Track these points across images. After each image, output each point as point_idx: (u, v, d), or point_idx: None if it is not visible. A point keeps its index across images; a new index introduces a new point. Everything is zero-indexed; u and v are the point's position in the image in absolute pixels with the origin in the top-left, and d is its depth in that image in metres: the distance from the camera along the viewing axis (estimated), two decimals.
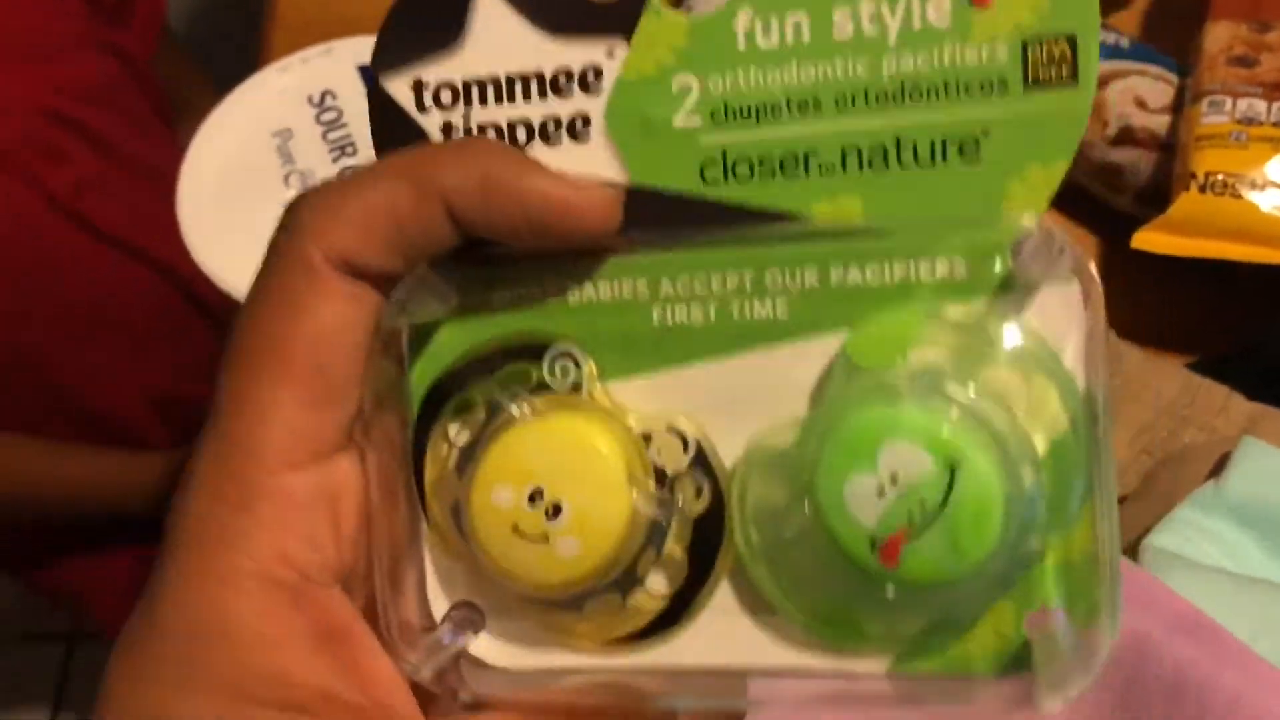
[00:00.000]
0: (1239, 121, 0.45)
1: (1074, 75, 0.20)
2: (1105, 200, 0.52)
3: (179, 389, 0.81)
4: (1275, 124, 0.45)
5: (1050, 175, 0.21)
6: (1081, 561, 0.20)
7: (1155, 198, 0.48)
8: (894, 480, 0.20)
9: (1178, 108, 0.48)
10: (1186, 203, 0.46)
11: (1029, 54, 0.20)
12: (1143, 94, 0.49)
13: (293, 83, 0.45)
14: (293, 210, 0.21)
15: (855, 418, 0.20)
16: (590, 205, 0.21)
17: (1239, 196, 0.45)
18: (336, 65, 0.45)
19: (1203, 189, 0.45)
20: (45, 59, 0.73)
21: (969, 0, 0.20)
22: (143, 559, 0.85)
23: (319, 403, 0.21)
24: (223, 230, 0.41)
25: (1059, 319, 0.20)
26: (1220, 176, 0.45)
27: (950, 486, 0.19)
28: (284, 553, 0.21)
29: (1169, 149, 0.48)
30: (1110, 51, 0.50)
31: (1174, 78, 0.49)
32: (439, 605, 0.23)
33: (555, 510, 0.21)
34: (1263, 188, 0.44)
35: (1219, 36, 0.47)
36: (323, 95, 0.44)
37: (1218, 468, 0.38)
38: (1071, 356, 0.20)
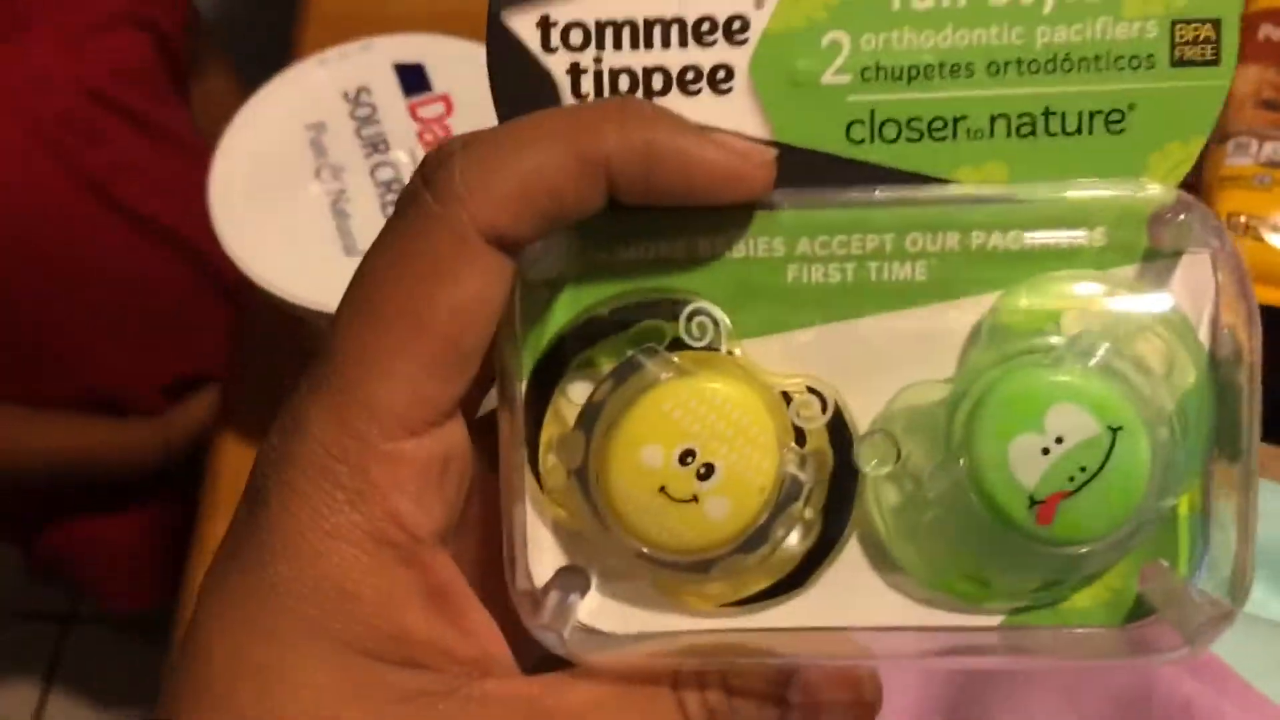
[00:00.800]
0: (1264, 164, 0.46)
1: (1217, 57, 0.21)
2: None
3: (199, 372, 0.80)
4: None
5: (1189, 151, 0.21)
6: (1192, 518, 0.21)
7: None
8: (1059, 441, 0.20)
9: (1204, 149, 0.49)
10: None
11: (1176, 33, 0.21)
12: None
13: (330, 77, 0.45)
14: (443, 166, 0.20)
15: (1022, 380, 0.20)
16: (753, 172, 0.21)
17: (1260, 239, 0.45)
18: (374, 62, 0.45)
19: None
20: (88, 35, 0.71)
21: None
22: (132, 525, 0.84)
23: (447, 373, 0.20)
24: (252, 219, 0.42)
25: (1193, 284, 0.21)
26: (1243, 218, 0.46)
27: (1110, 450, 0.20)
28: (397, 513, 0.20)
29: (1193, 189, 0.49)
30: None
31: None
32: (540, 569, 0.22)
33: (708, 470, 0.21)
34: None
35: (1249, 79, 0.48)
36: (358, 91, 0.44)
37: None
38: (1203, 321, 0.21)
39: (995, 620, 0.22)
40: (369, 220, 0.42)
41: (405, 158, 0.43)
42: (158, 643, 0.50)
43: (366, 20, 0.49)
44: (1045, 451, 0.20)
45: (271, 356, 0.54)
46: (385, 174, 0.43)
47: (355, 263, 0.43)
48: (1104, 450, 0.20)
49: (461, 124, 0.44)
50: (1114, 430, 0.20)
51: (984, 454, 0.20)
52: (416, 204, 0.21)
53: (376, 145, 0.43)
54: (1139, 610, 0.21)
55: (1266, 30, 0.49)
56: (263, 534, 0.20)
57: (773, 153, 0.21)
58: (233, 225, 0.41)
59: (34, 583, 1.02)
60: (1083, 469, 0.20)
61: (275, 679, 0.20)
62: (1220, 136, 0.47)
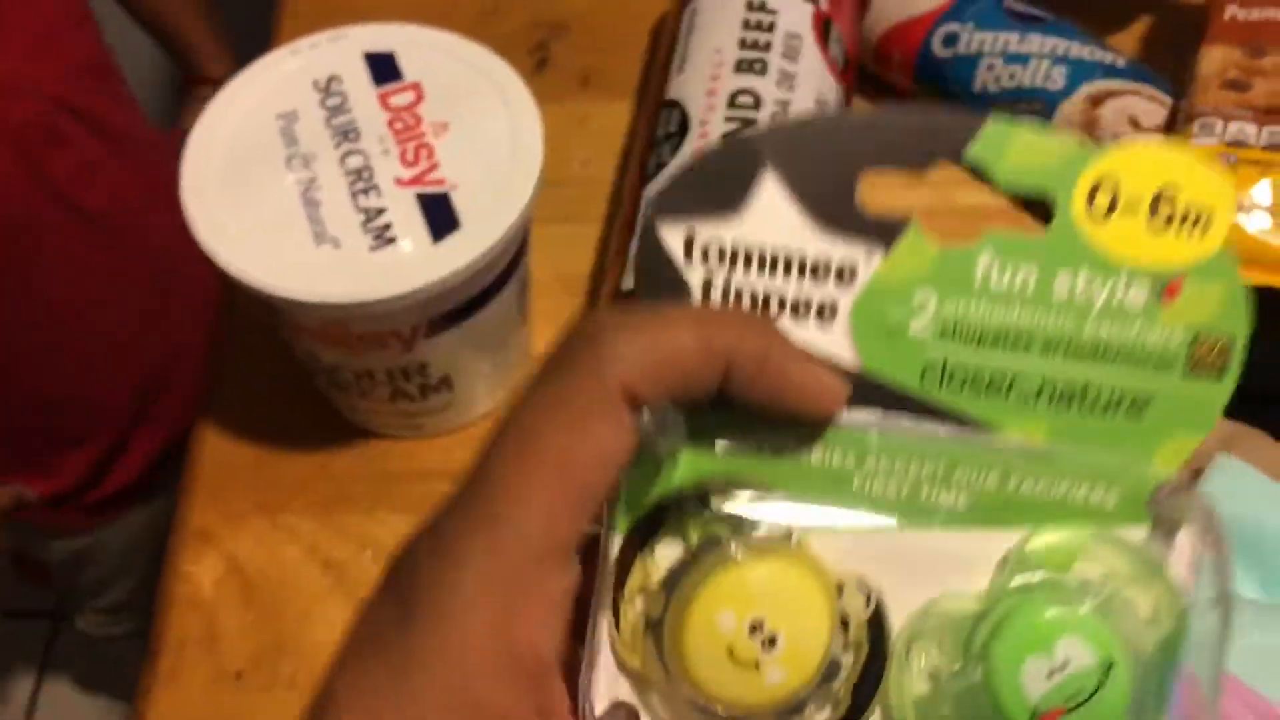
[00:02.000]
0: (1229, 144, 0.45)
1: (1224, 371, 0.26)
2: None
3: (161, 375, 0.80)
4: (1265, 148, 0.46)
5: (1191, 442, 0.26)
6: None
7: None
8: (1064, 667, 0.24)
9: (1170, 128, 0.48)
10: None
11: (1196, 347, 0.26)
12: (1137, 113, 0.50)
13: (301, 66, 0.45)
14: (602, 333, 0.24)
15: (1042, 611, 0.25)
16: (833, 398, 0.25)
17: None
18: (345, 51, 0.45)
19: None
20: (53, 38, 0.71)
21: (1160, 294, 0.26)
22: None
23: (580, 516, 0.24)
24: (224, 209, 0.42)
25: (1185, 551, 0.26)
26: None
27: (1103, 680, 0.24)
28: (535, 643, 0.23)
29: None
30: (1107, 70, 0.51)
31: (1168, 99, 0.50)
32: (599, 699, 0.26)
33: (771, 642, 0.24)
34: (1249, 210, 0.45)
35: (1214, 59, 0.48)
36: (329, 80, 0.45)
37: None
38: (1183, 581, 0.25)
39: None
40: (339, 208, 0.42)
41: (375, 146, 0.43)
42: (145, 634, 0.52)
43: (343, 13, 0.50)
44: (1050, 675, 0.24)
45: (251, 349, 0.55)
46: (355, 162, 0.43)
47: (326, 252, 0.43)
48: (1097, 679, 0.24)
49: (432, 112, 0.44)
50: (1109, 665, 0.24)
51: (1000, 666, 0.24)
52: (577, 359, 0.24)
53: (347, 134, 0.43)
54: None
55: (1232, 11, 0.50)
56: (412, 642, 0.23)
57: (846, 391, 0.26)
58: (205, 215, 0.41)
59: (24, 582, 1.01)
60: (1079, 691, 0.24)
61: None
62: (1186, 117, 0.47)
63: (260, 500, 0.52)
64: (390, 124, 0.45)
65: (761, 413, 0.25)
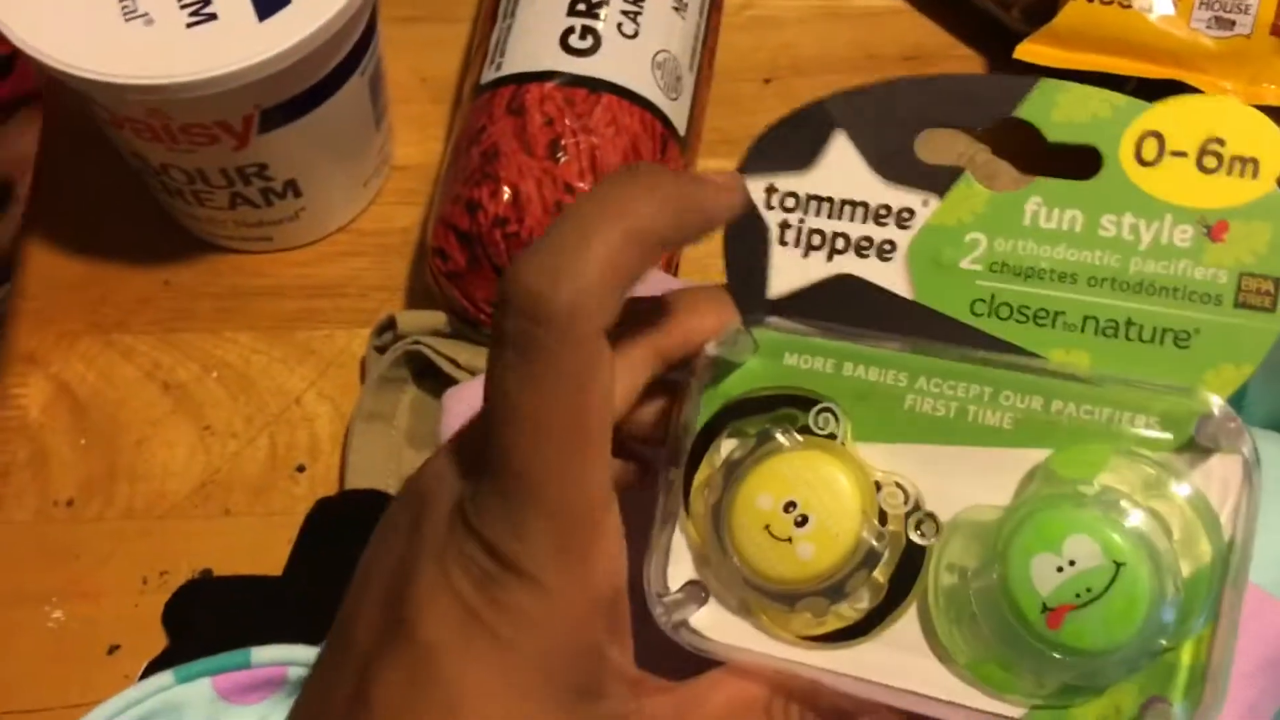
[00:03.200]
0: None
1: (1273, 307, 0.27)
2: (994, 16, 0.51)
3: None
4: None
5: (1239, 374, 0.27)
6: (1195, 668, 0.25)
7: (1045, 14, 0.47)
8: (1072, 564, 0.25)
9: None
10: (1072, 13, 0.45)
11: (1242, 283, 0.27)
12: None
13: None
14: (535, 301, 0.24)
15: (1051, 511, 0.26)
16: (731, 190, 0.28)
17: (1127, 6, 0.44)
18: None
19: None
20: None
21: (1207, 233, 0.27)
22: None
23: (606, 461, 0.25)
24: None
25: (1222, 482, 0.26)
26: None
27: (1113, 579, 0.25)
28: (610, 582, 0.26)
29: None
30: None
31: None
32: (675, 580, 0.29)
33: (803, 520, 0.27)
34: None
35: None
36: None
37: None
38: (1226, 514, 0.26)
39: (1018, 713, 0.26)
40: None
41: None
42: None
43: None
44: (1060, 570, 0.25)
45: (82, 155, 0.50)
46: None
47: (136, 29, 0.40)
48: (1108, 578, 0.25)
49: None
50: (1118, 564, 0.25)
51: (1013, 564, 0.26)
52: (539, 317, 0.24)
53: None
54: None
55: None
56: (510, 614, 0.25)
57: (738, 177, 0.29)
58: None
59: None
60: (1089, 589, 0.25)
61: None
62: None
63: (94, 320, 0.49)
64: None
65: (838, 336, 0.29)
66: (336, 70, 0.42)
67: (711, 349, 0.29)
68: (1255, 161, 0.26)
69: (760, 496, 0.27)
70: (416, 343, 0.46)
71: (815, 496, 0.27)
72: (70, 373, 0.47)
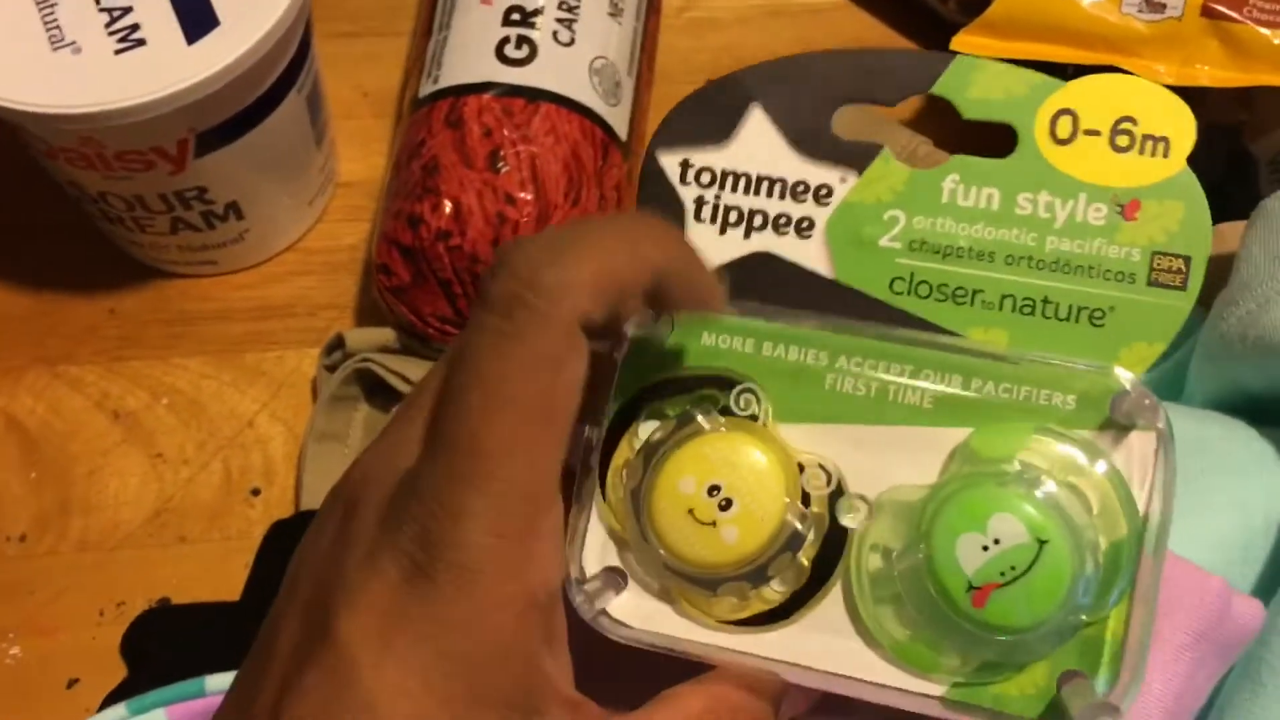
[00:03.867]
0: None
1: (1184, 285, 0.27)
2: (932, 9, 0.52)
3: None
4: None
5: (1151, 351, 0.27)
6: (1113, 642, 0.26)
7: (981, 4, 0.46)
8: (996, 542, 0.25)
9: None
10: (1006, 2, 0.45)
11: (1155, 262, 0.27)
12: None
13: None
14: (540, 268, 0.24)
15: (976, 490, 0.26)
16: (719, 301, 0.27)
17: None
18: None
19: None
20: None
21: (1120, 212, 0.27)
22: None
23: (562, 450, 0.25)
24: None
25: (1139, 458, 0.26)
26: None
27: (1037, 556, 0.25)
28: (546, 580, 0.25)
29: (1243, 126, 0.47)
30: None
31: None
32: (591, 566, 0.28)
33: (727, 503, 0.27)
34: None
35: None
36: None
37: None
38: (1143, 489, 0.26)
39: (940, 690, 0.26)
40: (78, 8, 0.39)
41: None
42: None
43: None
44: (985, 549, 0.25)
45: (22, 184, 0.50)
46: None
47: (64, 58, 0.40)
48: (1031, 556, 0.25)
49: None
50: (1041, 542, 0.25)
51: (939, 543, 0.26)
52: (520, 297, 0.24)
53: None
54: (1055, 710, 0.26)
55: None
56: (435, 607, 0.23)
57: (726, 292, 0.27)
58: None
59: None
60: (1013, 568, 0.25)
61: None
62: None
63: (40, 352, 0.49)
64: None
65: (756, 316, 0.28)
66: (271, 90, 0.42)
67: (629, 329, 0.28)
68: (1166, 140, 0.27)
69: (682, 480, 0.27)
70: (366, 360, 0.46)
71: (739, 479, 0.27)
72: (18, 406, 0.47)
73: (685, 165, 0.30)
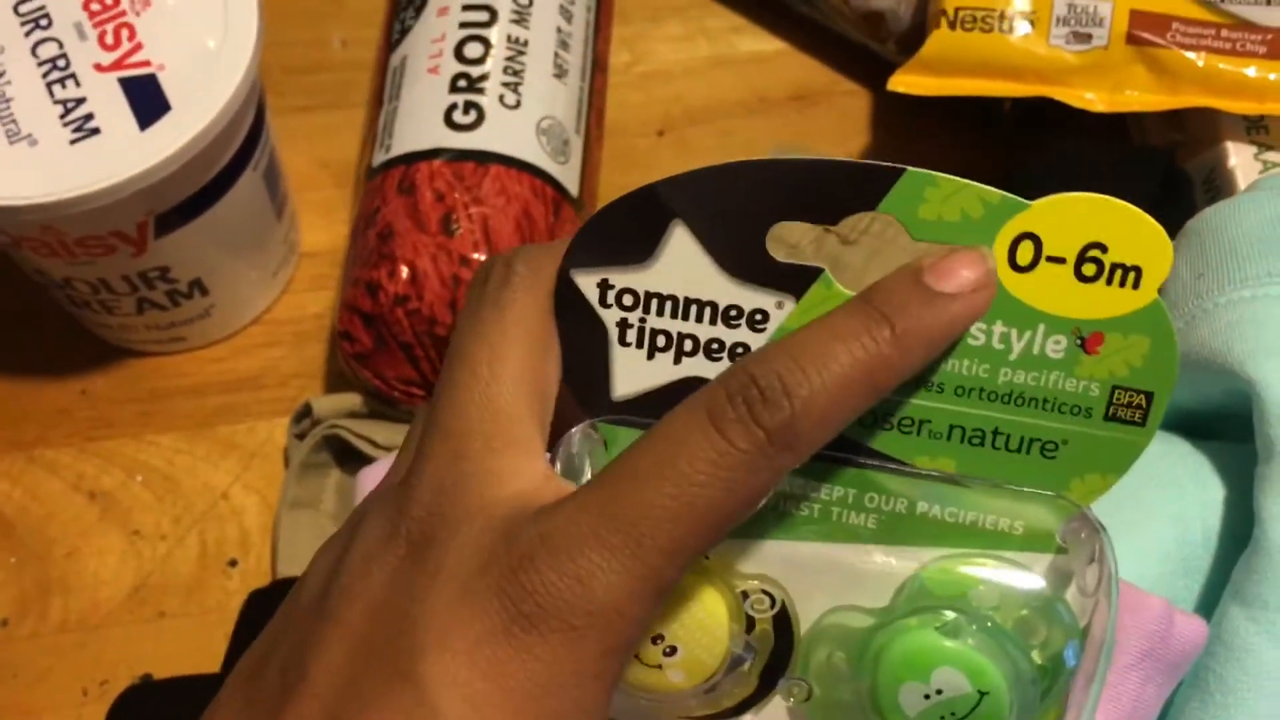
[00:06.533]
0: None
1: (1144, 421, 0.25)
2: (873, 50, 0.53)
3: None
4: None
5: (1104, 483, 0.26)
6: None
7: (918, 43, 0.48)
8: (939, 692, 0.25)
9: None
10: (938, 41, 0.46)
11: (1115, 396, 0.25)
12: None
13: None
14: (528, 265, 0.27)
15: (921, 639, 0.26)
16: None
17: (989, 30, 0.46)
18: None
19: (953, 25, 0.46)
20: None
21: (1081, 345, 0.25)
22: None
23: (549, 417, 0.26)
24: None
25: (1082, 587, 0.26)
26: (970, 11, 0.46)
27: (976, 705, 0.25)
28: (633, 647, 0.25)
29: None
30: None
31: None
32: None
33: (671, 650, 0.27)
34: (1012, 19, 0.46)
35: None
36: None
37: None
38: (1086, 617, 0.26)
39: None
40: (33, 102, 0.40)
41: (70, 31, 0.41)
42: None
43: None
44: (927, 697, 0.25)
45: None
46: (48, 50, 0.40)
47: (21, 150, 0.41)
48: (972, 704, 0.25)
49: None
50: (981, 693, 0.25)
51: (881, 685, 0.26)
52: (514, 284, 0.27)
53: (38, 21, 0.41)
54: None
55: None
56: (537, 665, 0.23)
57: None
58: None
59: None
60: (953, 714, 0.25)
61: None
62: None
63: (13, 437, 0.49)
64: (86, 5, 0.42)
65: None
66: (227, 168, 0.43)
67: (559, 450, 0.27)
68: (1138, 270, 0.25)
69: None
70: (334, 426, 0.47)
71: (682, 628, 0.26)
72: None
73: (605, 286, 0.27)
